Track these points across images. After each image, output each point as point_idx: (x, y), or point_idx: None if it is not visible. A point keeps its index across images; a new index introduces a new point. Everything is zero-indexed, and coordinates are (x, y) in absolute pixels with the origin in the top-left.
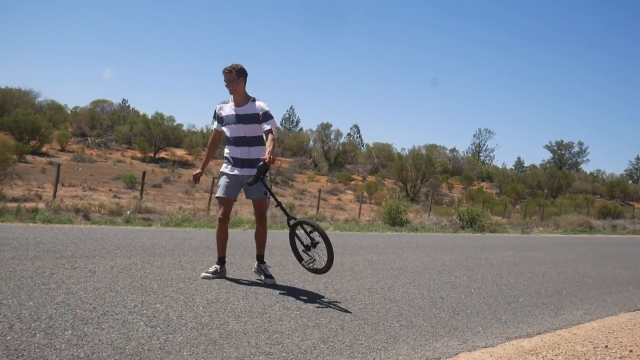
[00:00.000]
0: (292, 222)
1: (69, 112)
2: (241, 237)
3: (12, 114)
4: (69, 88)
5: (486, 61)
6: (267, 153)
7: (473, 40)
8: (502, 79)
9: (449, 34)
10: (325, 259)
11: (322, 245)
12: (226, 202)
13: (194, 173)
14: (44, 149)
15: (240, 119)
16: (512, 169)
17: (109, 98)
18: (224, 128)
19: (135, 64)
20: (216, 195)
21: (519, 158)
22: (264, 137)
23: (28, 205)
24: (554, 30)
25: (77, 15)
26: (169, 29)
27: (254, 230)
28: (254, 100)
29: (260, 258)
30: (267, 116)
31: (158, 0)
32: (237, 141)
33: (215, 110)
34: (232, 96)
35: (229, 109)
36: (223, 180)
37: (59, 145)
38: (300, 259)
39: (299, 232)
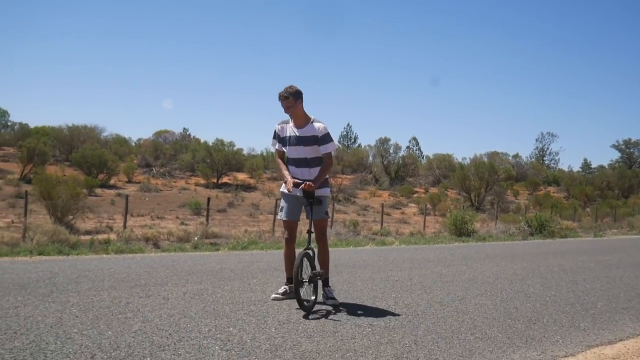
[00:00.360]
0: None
1: (133, 144)
2: None
3: (80, 150)
4: (132, 121)
5: (543, 63)
6: (313, 180)
7: (530, 42)
8: (562, 79)
9: (506, 37)
10: (313, 297)
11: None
12: (290, 224)
13: (289, 183)
14: (111, 181)
15: (300, 140)
16: (579, 171)
17: (170, 128)
18: (285, 149)
19: (193, 92)
20: (280, 218)
21: (585, 159)
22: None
23: (100, 237)
24: (611, 25)
25: (135, 50)
26: (222, 57)
27: (316, 250)
28: (313, 121)
29: (323, 281)
30: (325, 139)
31: (205, 30)
32: (298, 162)
33: (275, 131)
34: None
35: (289, 130)
36: (284, 202)
37: (126, 177)
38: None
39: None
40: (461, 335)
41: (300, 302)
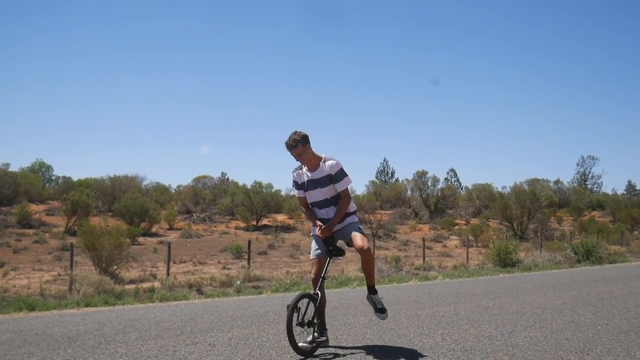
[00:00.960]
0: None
1: (173, 191)
2: (351, 296)
3: (122, 200)
4: (171, 169)
5: (579, 85)
6: (330, 222)
7: (565, 63)
8: (600, 101)
9: (540, 61)
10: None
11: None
12: (318, 262)
13: (318, 228)
14: (153, 229)
15: (316, 183)
16: (623, 193)
17: (208, 173)
18: (306, 194)
19: (229, 136)
20: (311, 258)
21: (629, 181)
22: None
23: (145, 285)
24: None
25: (169, 99)
26: (254, 99)
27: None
28: (324, 160)
29: (370, 289)
30: (338, 176)
31: (234, 71)
32: (320, 204)
33: (293, 179)
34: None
35: (304, 176)
36: (314, 244)
37: (167, 224)
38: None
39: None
40: None
41: (294, 345)
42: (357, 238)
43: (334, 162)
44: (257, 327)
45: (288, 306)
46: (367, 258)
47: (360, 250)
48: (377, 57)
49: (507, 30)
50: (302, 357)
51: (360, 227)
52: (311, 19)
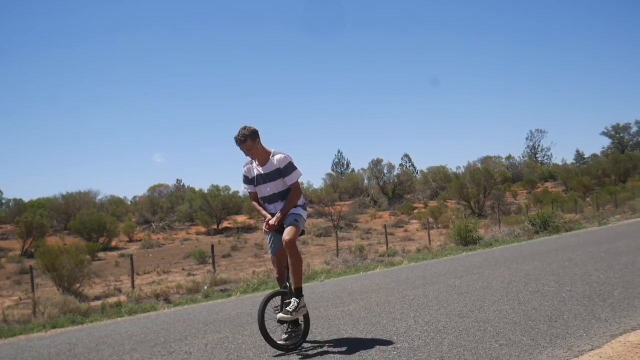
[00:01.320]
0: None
1: (129, 203)
2: (320, 289)
3: (77, 217)
4: (125, 180)
5: (521, 61)
6: (275, 216)
7: (505, 41)
8: (542, 74)
9: (481, 41)
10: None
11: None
12: (277, 258)
13: (266, 223)
14: (113, 243)
15: (266, 177)
16: (573, 162)
17: (163, 181)
18: (256, 188)
19: (181, 143)
20: (270, 255)
21: (577, 150)
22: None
23: (111, 300)
24: (583, 10)
25: (116, 110)
26: (204, 102)
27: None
28: (273, 154)
29: (295, 292)
30: (287, 169)
31: (180, 77)
32: (269, 199)
33: (243, 174)
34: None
35: (255, 170)
36: (268, 239)
37: (126, 236)
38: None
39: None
40: (486, 345)
41: (272, 343)
42: (286, 230)
43: (283, 155)
44: (231, 330)
45: (260, 304)
46: (289, 252)
47: (284, 243)
48: (325, 47)
49: (448, 7)
50: (282, 352)
51: (298, 220)
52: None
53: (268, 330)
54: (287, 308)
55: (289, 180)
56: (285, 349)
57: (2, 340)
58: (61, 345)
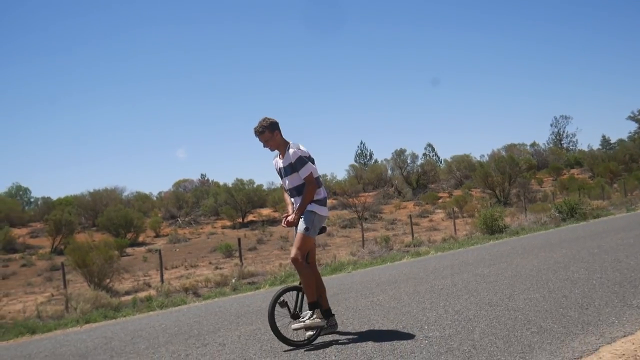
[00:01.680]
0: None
1: (155, 198)
2: (348, 280)
3: (104, 214)
4: (150, 176)
5: (544, 47)
6: (293, 213)
7: (529, 28)
8: (565, 60)
9: (505, 28)
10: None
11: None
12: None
13: (285, 219)
14: (140, 238)
15: (285, 171)
16: (599, 148)
17: (188, 176)
18: (283, 181)
19: (204, 137)
20: None
21: (603, 136)
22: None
23: (141, 295)
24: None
25: (139, 107)
26: (225, 95)
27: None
28: (288, 147)
29: (309, 305)
30: (298, 164)
31: (202, 72)
32: (291, 193)
33: (274, 167)
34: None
35: (279, 163)
36: (294, 232)
37: (153, 232)
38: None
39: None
40: (517, 333)
41: (281, 337)
42: (295, 240)
43: (294, 150)
44: (263, 322)
45: (270, 302)
46: (296, 268)
47: (290, 259)
48: (347, 40)
49: (472, 1)
50: (293, 348)
51: (310, 224)
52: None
53: (279, 326)
54: (302, 318)
55: (302, 174)
56: (295, 345)
57: (39, 336)
58: (97, 340)
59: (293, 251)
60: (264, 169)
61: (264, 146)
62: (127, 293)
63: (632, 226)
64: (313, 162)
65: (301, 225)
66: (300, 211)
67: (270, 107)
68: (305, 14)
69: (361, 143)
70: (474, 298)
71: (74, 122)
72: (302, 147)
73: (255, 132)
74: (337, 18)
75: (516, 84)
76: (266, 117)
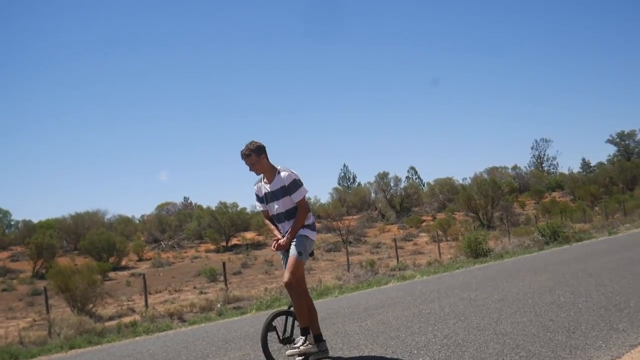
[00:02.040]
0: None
1: (138, 221)
2: (335, 304)
3: (87, 237)
4: (132, 199)
5: (525, 70)
6: (284, 238)
7: (510, 50)
8: (546, 84)
9: (485, 49)
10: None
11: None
12: None
13: (276, 242)
14: (123, 262)
15: (273, 196)
16: (579, 171)
17: (171, 199)
18: (267, 207)
19: (187, 160)
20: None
21: (583, 159)
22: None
23: (125, 320)
24: (587, 20)
25: (122, 130)
26: (209, 118)
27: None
28: (279, 171)
29: (302, 330)
30: (293, 186)
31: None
32: (278, 218)
33: (255, 193)
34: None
35: (264, 188)
36: (282, 257)
37: (136, 255)
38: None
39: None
40: (506, 357)
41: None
42: (288, 265)
43: (287, 173)
44: (252, 347)
45: (262, 327)
46: (290, 293)
47: (284, 284)
48: (333, 61)
49: (452, 20)
50: None
51: (303, 249)
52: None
53: (271, 351)
54: (295, 343)
55: (295, 197)
56: None
57: None
58: None
59: (287, 275)
60: (247, 192)
61: (250, 169)
62: (111, 318)
63: (614, 249)
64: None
65: (294, 249)
66: (292, 235)
67: (253, 129)
68: (285, 34)
69: (344, 166)
70: (462, 322)
71: (56, 145)
72: (293, 171)
73: (242, 155)
74: (322, 33)
75: (497, 106)
76: (253, 141)
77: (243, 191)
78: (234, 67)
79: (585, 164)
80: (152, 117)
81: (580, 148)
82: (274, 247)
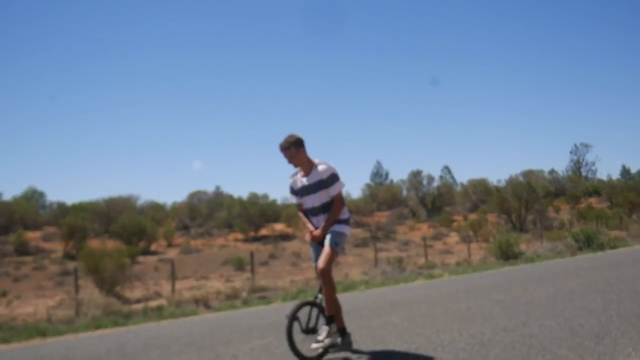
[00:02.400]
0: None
1: (169, 208)
2: (361, 298)
3: (118, 221)
4: (165, 186)
5: (568, 74)
6: (322, 226)
7: (552, 53)
8: (588, 88)
9: (527, 53)
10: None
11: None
12: (316, 267)
13: (310, 233)
14: (152, 247)
15: (310, 189)
16: (618, 178)
17: (203, 188)
18: (301, 200)
19: (221, 149)
20: (313, 264)
21: (623, 166)
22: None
23: (151, 304)
24: (625, 28)
25: (157, 116)
26: (242, 110)
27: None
28: (317, 165)
29: (327, 319)
30: (330, 180)
31: (220, 85)
32: (313, 211)
33: (290, 185)
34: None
35: (299, 181)
36: (312, 249)
37: (166, 241)
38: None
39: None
40: (531, 359)
41: (297, 352)
42: (322, 255)
43: (326, 166)
44: (276, 336)
45: (287, 317)
46: (323, 280)
47: (318, 271)
48: (365, 60)
49: (494, 23)
50: None
51: (339, 242)
52: (305, 20)
53: (295, 342)
54: (319, 337)
55: (332, 191)
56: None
57: (50, 339)
58: (110, 345)
59: (322, 263)
60: (278, 184)
61: (289, 162)
62: (138, 301)
63: None
64: None
65: (329, 240)
66: (327, 227)
67: (288, 124)
68: (325, 31)
69: (377, 162)
70: (488, 323)
71: (92, 128)
72: (332, 165)
73: (281, 147)
74: (360, 25)
75: (537, 109)
76: (292, 134)
77: (275, 183)
78: (271, 62)
79: (625, 171)
80: (190, 110)
81: (621, 155)
82: (308, 238)
